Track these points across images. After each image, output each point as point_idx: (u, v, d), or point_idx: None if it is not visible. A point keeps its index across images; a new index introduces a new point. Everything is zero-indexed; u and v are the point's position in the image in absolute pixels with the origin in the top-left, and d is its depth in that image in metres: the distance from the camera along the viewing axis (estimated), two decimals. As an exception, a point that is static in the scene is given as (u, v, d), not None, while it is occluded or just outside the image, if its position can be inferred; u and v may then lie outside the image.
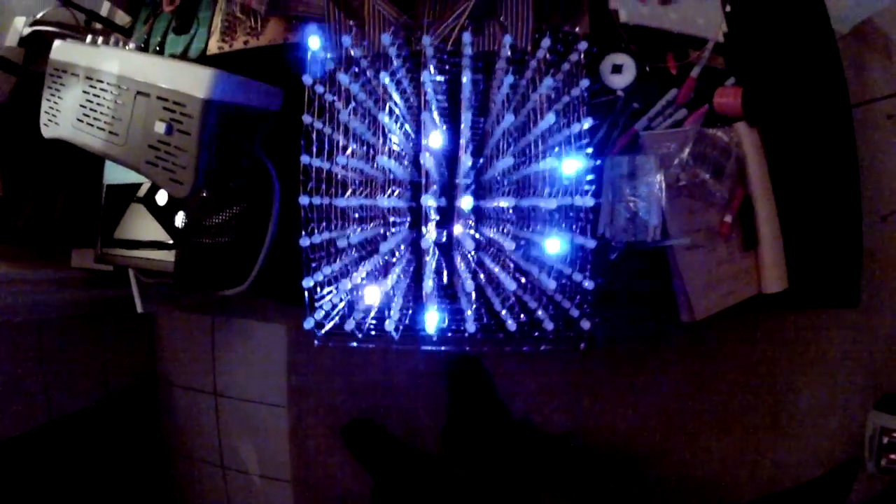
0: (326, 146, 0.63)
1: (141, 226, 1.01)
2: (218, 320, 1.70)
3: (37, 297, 1.08)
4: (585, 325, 0.61)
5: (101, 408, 1.48)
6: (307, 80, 0.58)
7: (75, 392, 1.38)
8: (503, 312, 0.64)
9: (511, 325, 0.59)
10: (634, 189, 0.82)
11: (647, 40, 0.89)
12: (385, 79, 0.60)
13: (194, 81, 0.67)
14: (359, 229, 0.66)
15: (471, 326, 0.62)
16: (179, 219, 0.91)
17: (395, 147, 0.68)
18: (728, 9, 0.91)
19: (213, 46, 0.94)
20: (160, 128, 0.69)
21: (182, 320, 1.72)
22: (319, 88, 0.59)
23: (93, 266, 1.03)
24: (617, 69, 0.87)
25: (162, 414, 1.75)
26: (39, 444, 1.27)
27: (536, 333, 0.61)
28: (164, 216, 0.98)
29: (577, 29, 0.88)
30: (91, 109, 0.73)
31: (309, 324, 0.61)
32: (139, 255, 1.01)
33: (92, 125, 0.72)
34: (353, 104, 0.63)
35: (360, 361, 1.61)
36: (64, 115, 0.78)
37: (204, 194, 0.79)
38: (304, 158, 0.59)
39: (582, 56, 0.67)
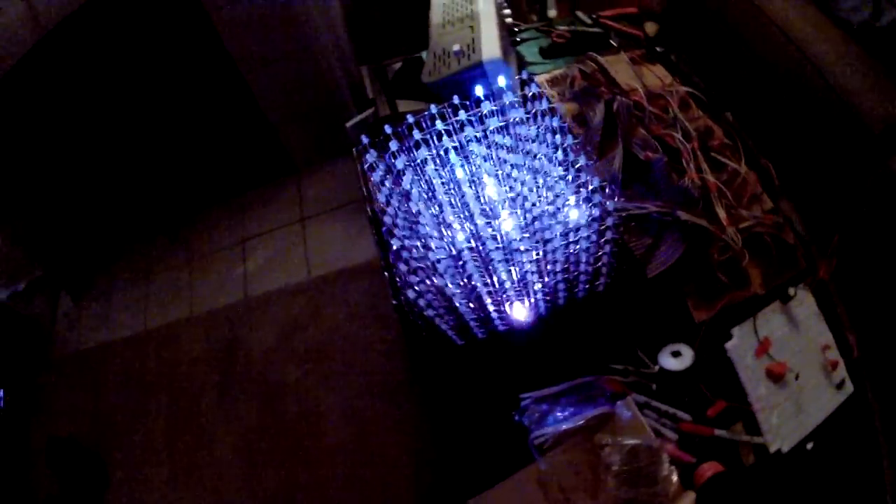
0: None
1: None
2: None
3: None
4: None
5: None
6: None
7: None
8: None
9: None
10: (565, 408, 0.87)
11: (726, 377, 0.90)
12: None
13: (490, 49, 0.98)
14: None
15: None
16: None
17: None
18: (809, 447, 0.87)
19: (541, 79, 1.26)
20: (456, 47, 1.01)
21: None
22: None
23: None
24: (675, 354, 0.92)
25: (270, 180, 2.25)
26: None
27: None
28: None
29: (699, 315, 0.95)
30: (451, 4, 1.12)
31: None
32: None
33: (441, 9, 1.12)
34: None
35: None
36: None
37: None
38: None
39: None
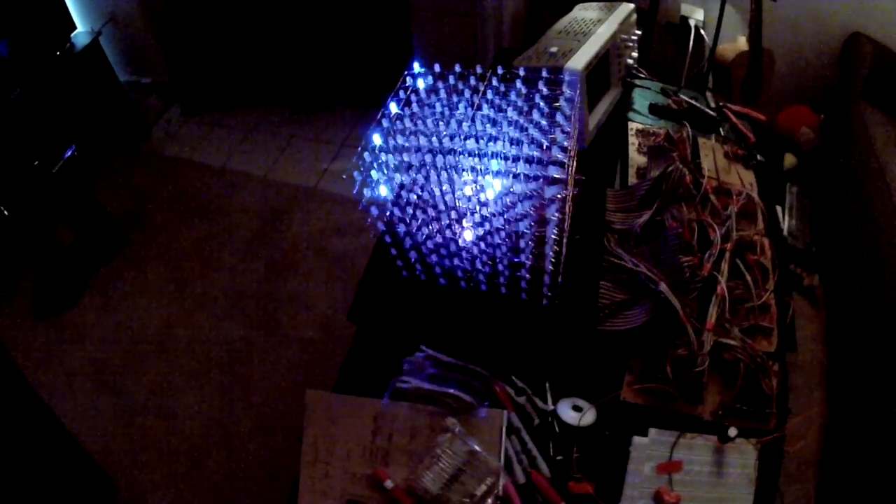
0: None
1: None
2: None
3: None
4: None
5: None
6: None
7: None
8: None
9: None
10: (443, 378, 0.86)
11: (611, 466, 0.83)
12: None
13: (577, 62, 1.01)
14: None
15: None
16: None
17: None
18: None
19: (633, 125, 1.24)
20: (553, 48, 1.06)
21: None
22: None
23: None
24: (576, 408, 0.87)
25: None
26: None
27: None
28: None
29: (626, 394, 0.88)
30: (580, 20, 1.18)
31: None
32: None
33: (570, 20, 1.18)
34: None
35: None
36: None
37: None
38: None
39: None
